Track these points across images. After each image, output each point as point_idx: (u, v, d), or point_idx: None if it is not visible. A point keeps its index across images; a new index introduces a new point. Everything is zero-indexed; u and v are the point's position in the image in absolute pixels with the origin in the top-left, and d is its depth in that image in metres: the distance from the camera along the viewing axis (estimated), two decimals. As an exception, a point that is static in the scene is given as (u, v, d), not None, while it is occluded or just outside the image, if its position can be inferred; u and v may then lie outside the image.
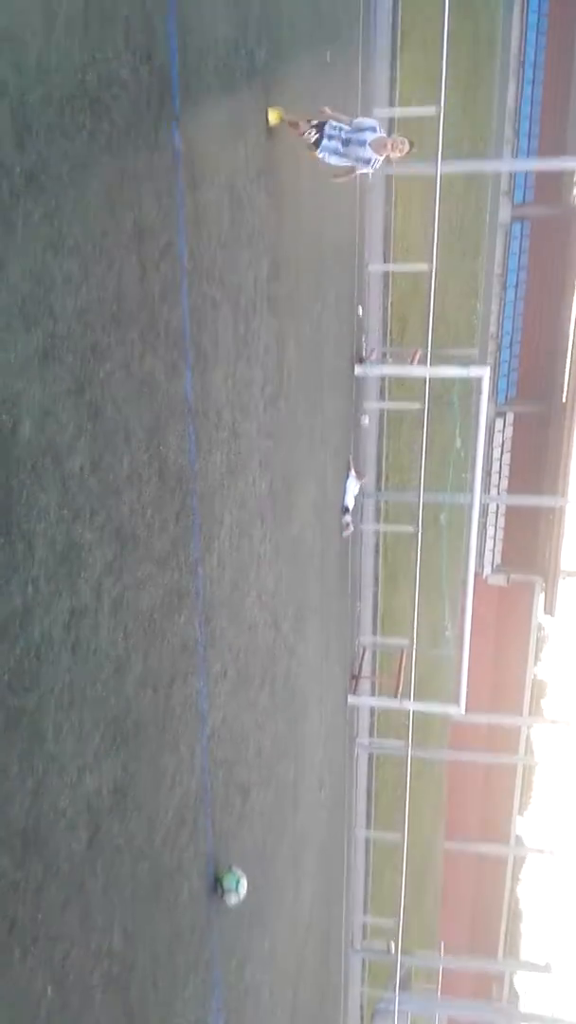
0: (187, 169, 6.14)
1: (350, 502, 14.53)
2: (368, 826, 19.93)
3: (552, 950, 35.66)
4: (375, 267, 16.64)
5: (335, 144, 8.13)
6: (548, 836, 35.06)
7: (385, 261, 17.25)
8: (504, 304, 26.26)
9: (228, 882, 7.77)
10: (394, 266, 17.26)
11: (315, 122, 8.17)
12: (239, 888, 7.82)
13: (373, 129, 8.16)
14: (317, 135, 8.10)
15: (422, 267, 16.32)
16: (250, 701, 8.70)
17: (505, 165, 24.12)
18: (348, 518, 14.46)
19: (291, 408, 9.76)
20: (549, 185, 25.92)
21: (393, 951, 17.79)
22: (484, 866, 30.42)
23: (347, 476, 14.50)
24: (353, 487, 14.61)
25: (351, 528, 14.74)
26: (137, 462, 5.40)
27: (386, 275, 17.46)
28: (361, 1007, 20.59)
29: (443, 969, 21.32)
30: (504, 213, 26.05)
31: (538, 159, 24.90)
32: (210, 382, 6.85)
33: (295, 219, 9.63)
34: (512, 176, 25.44)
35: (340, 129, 8.15)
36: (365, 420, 16.34)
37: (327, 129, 8.10)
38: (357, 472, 14.92)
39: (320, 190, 10.89)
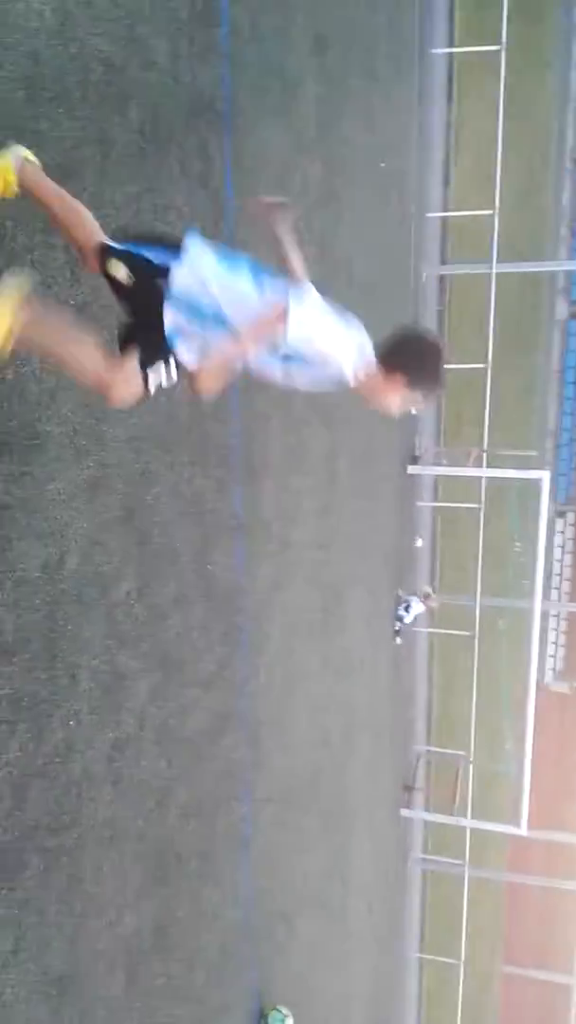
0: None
1: (408, 619, 14.24)
2: (421, 950, 18.68)
3: None
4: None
5: None
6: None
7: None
8: (563, 401, 26.22)
9: (274, 1020, 7.44)
10: (450, 366, 17.46)
11: None
12: None
13: None
14: None
15: (477, 365, 16.47)
16: (296, 824, 8.33)
17: (561, 265, 24.54)
18: (399, 626, 14.13)
19: (342, 516, 9.71)
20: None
21: None
22: (545, 993, 28.05)
23: (409, 599, 14.24)
24: (417, 608, 14.32)
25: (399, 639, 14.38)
26: (184, 584, 5.35)
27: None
28: None
29: None
30: (561, 310, 26.32)
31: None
32: (259, 494, 6.85)
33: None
34: (569, 275, 25.81)
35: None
36: (419, 542, 16.19)
37: None
38: (426, 597, 14.60)
39: (371, 305, 11.13)
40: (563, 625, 25.81)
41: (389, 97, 12.58)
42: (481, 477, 14.38)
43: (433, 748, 17.27)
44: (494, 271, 14.23)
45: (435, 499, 17.55)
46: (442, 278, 17.45)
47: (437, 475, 16.53)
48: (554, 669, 25.70)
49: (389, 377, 3.14)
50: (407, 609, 14.18)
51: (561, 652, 25.71)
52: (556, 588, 25.51)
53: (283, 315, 2.85)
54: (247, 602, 6.56)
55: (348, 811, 10.80)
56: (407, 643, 15.02)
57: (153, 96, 4.94)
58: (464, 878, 14.90)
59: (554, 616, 25.39)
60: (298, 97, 7.88)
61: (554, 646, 25.59)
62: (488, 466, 15.14)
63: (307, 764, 8.61)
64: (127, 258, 2.81)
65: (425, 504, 16.89)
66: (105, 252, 2.83)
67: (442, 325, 17.67)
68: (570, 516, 26.18)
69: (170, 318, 2.80)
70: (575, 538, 25.95)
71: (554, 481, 24.90)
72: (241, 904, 6.72)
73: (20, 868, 3.80)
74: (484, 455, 15.41)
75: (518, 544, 18.43)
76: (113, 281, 2.82)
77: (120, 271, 2.77)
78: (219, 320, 2.84)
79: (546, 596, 21.97)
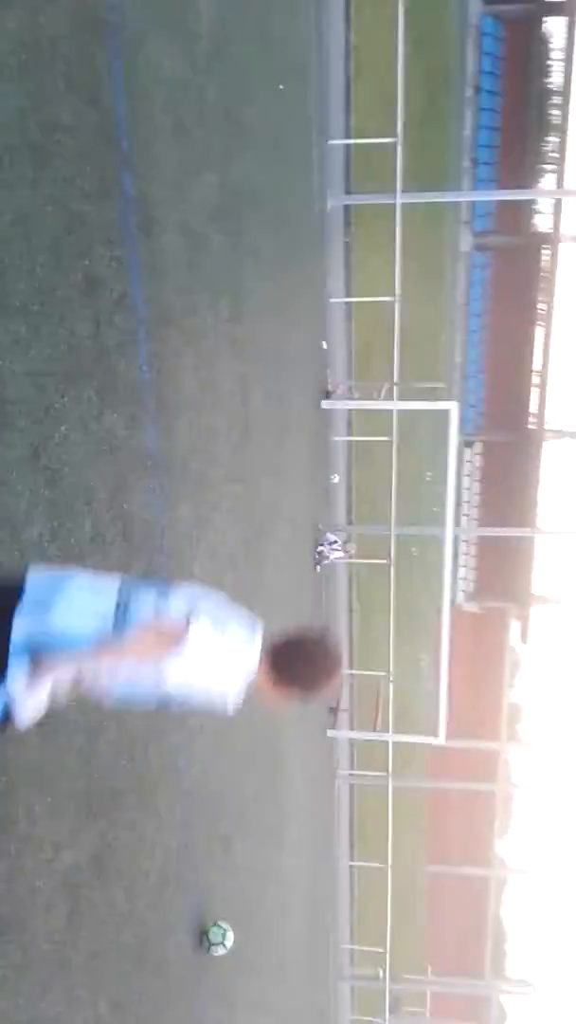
0: (139, 214, 6.11)
1: (328, 557, 14.61)
2: (352, 857, 19.71)
3: (537, 967, 35.51)
4: (337, 300, 16.76)
5: None
6: (529, 857, 35.00)
7: (348, 294, 17.38)
8: (469, 333, 26.58)
9: (214, 935, 7.79)
10: (357, 299, 17.41)
11: None
12: (226, 940, 7.85)
13: None
14: None
15: (386, 298, 16.51)
16: (229, 750, 8.56)
17: (465, 196, 24.56)
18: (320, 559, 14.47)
19: (258, 450, 9.73)
20: (509, 214, 26.41)
21: (381, 977, 17.59)
22: (467, 889, 30.19)
23: (329, 544, 14.55)
24: (336, 554, 14.69)
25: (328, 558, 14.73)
26: (100, 524, 5.30)
27: (349, 306, 17.60)
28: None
29: (431, 992, 21.08)
30: (465, 241, 26.46)
31: (497, 190, 25.39)
32: (173, 432, 6.78)
33: (253, 259, 9.66)
34: (471, 206, 25.88)
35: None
36: (335, 478, 16.37)
37: None
38: (344, 545, 14.96)
39: (276, 233, 10.98)
40: (473, 549, 26.81)
41: (288, 15, 12.15)
42: (392, 410, 14.57)
43: (355, 671, 17.88)
44: (399, 201, 14.15)
45: (349, 433, 17.73)
46: (347, 208, 17.23)
47: (350, 409, 16.65)
48: (465, 591, 26.76)
49: (275, 680, 2.92)
50: (329, 544, 14.50)
51: (472, 575, 26.76)
52: (466, 515, 26.38)
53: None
54: (166, 540, 6.55)
55: (278, 735, 11.15)
56: (326, 573, 15.36)
57: (32, 1, 4.64)
58: (388, 789, 15.68)
59: (464, 541, 26.31)
60: (193, 12, 7.53)
61: (465, 569, 26.58)
62: (399, 399, 15.35)
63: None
64: None
65: (339, 438, 17.05)
66: None
67: (349, 257, 17.54)
68: (477, 446, 26.92)
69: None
70: (483, 467, 26.75)
71: (462, 412, 25.44)
72: (178, 829, 6.92)
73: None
74: (395, 388, 15.60)
75: (429, 474, 18.90)
76: None
77: None
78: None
79: (457, 523, 22.72)
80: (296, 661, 2.89)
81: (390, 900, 16.59)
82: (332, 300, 16.20)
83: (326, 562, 14.75)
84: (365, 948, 19.68)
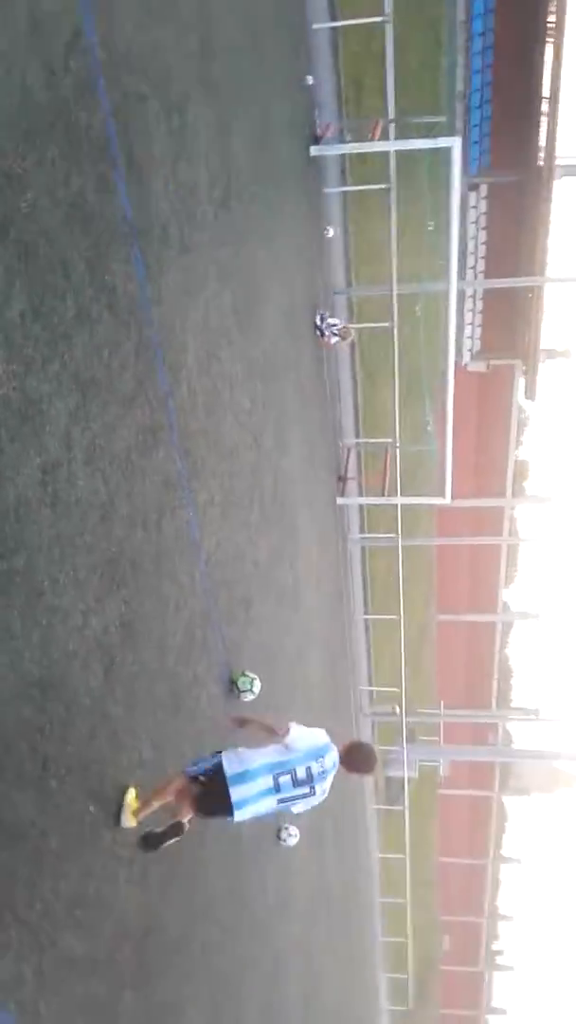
0: None
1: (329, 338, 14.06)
2: (366, 612, 21.16)
3: (540, 698, 39.61)
4: (320, 25, 14.73)
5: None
6: (533, 603, 37.69)
7: (332, 18, 15.24)
8: (471, 57, 23.57)
9: (243, 684, 8.54)
10: (344, 22, 15.29)
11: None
12: (253, 687, 8.60)
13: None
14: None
15: (375, 19, 14.54)
16: (242, 521, 8.83)
17: None
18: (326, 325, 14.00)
19: (245, 208, 9.02)
20: None
21: (398, 712, 19.61)
22: (475, 633, 32.74)
23: (329, 327, 13.89)
24: (334, 339, 14.07)
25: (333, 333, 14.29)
26: (83, 299, 5.02)
27: (334, 33, 15.51)
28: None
29: (444, 724, 23.58)
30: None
31: None
32: (148, 192, 6.23)
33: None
34: None
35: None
36: (329, 231, 15.23)
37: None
38: (344, 331, 14.23)
39: None
40: (479, 305, 25.80)
41: None
42: (389, 151, 13.34)
43: (361, 440, 18.04)
44: None
45: (343, 183, 16.37)
46: None
47: (342, 154, 15.23)
48: (471, 350, 26.15)
49: (346, 768, 5.75)
50: (329, 328, 13.96)
51: (478, 332, 26.01)
52: (471, 268, 25.05)
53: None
54: (155, 313, 6.27)
55: (288, 504, 11.47)
56: (328, 343, 14.92)
57: None
58: (398, 549, 16.45)
59: (470, 297, 25.24)
60: None
61: (471, 327, 25.76)
62: (396, 138, 13.99)
63: (243, 466, 8.92)
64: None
65: (333, 190, 15.76)
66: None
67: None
68: (483, 189, 24.88)
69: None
70: (488, 212, 24.91)
71: (466, 150, 23.27)
72: (200, 595, 7.32)
73: (-24, 592, 3.97)
74: (392, 126, 14.17)
75: (431, 223, 17.68)
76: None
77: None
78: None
79: (462, 276, 21.68)
80: (355, 761, 5.78)
81: (404, 645, 18.03)
82: (315, 26, 14.24)
83: (327, 346, 14.31)
84: (383, 688, 21.76)
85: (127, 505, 5.69)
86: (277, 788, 5.38)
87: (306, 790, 5.47)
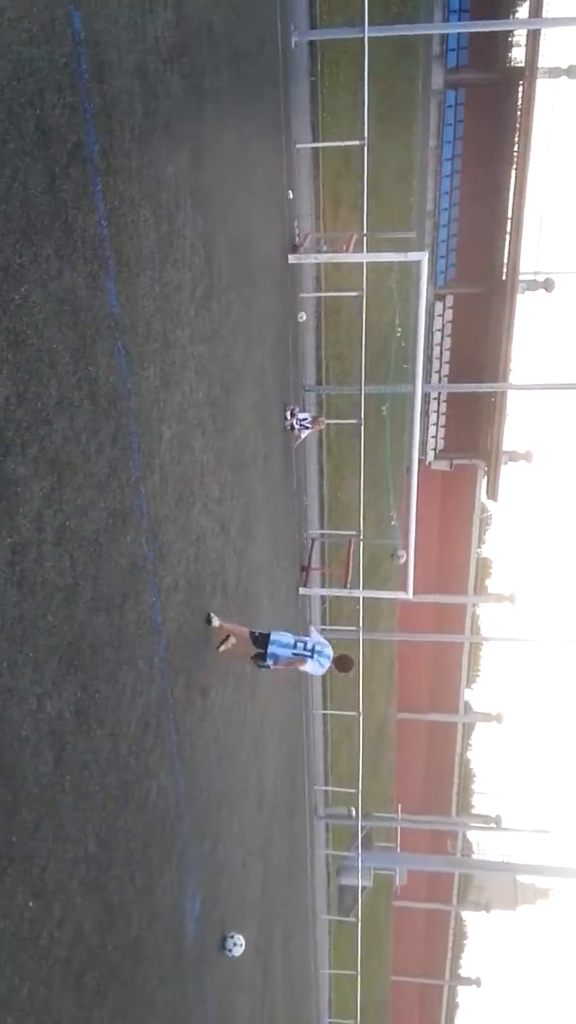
0: (90, 57, 5.62)
1: (300, 434, 14.60)
2: (325, 706, 20.89)
3: (501, 805, 38.79)
4: (303, 145, 15.81)
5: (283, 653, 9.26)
6: (495, 704, 37.47)
7: (314, 139, 16.37)
8: (440, 179, 25.33)
9: (228, 945, 10.04)
10: (324, 144, 16.42)
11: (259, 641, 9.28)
12: (238, 944, 10.15)
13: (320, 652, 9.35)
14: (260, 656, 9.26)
15: (354, 142, 15.60)
16: (203, 607, 8.83)
17: (436, 28, 22.73)
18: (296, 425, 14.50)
19: (224, 308, 9.44)
20: (484, 47, 24.59)
21: (354, 815, 19.09)
22: (435, 734, 32.34)
23: (299, 421, 14.48)
24: (304, 430, 14.65)
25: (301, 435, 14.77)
26: (66, 387, 5.20)
27: (315, 153, 16.63)
28: (327, 867, 22.24)
29: (401, 830, 23.00)
30: (437, 79, 24.74)
31: (470, 21, 23.49)
32: (135, 290, 6.54)
33: (214, 103, 9.00)
34: (444, 39, 24.03)
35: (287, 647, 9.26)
36: (302, 316, 15.91)
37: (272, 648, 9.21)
38: (314, 420, 14.87)
39: (237, 75, 10.15)
40: (443, 407, 26.80)
41: None
42: (362, 262, 14.10)
43: (325, 531, 18.28)
44: (366, 35, 13.10)
45: (317, 289, 17.20)
46: (312, 45, 15.89)
47: (318, 263, 16.07)
48: (435, 449, 26.99)
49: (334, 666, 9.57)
50: (299, 421, 14.46)
51: (442, 432, 26.92)
52: (436, 372, 26.15)
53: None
54: (134, 403, 6.47)
55: (252, 593, 11.50)
56: (298, 436, 15.32)
57: None
58: (359, 642, 16.45)
59: (435, 399, 26.25)
60: None
61: (435, 427, 26.69)
62: (368, 251, 14.81)
63: (208, 553, 9.00)
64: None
65: (308, 295, 16.55)
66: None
67: (315, 98, 16.37)
68: (449, 299, 26.29)
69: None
70: (453, 321, 26.24)
71: (433, 264, 24.71)
72: (157, 682, 7.25)
73: None
74: (364, 239, 15.02)
75: (399, 329, 18.55)
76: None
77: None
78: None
79: (426, 380, 22.60)
80: (339, 662, 9.46)
81: (361, 744, 17.78)
82: (298, 146, 15.27)
83: (297, 439, 14.78)
84: (339, 789, 21.25)
85: (92, 588, 5.72)
86: (294, 645, 9.25)
87: (308, 653, 9.22)
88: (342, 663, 9.40)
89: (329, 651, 9.30)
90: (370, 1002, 24.32)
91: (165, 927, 7.76)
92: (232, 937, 10.33)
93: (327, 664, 9.32)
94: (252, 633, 9.26)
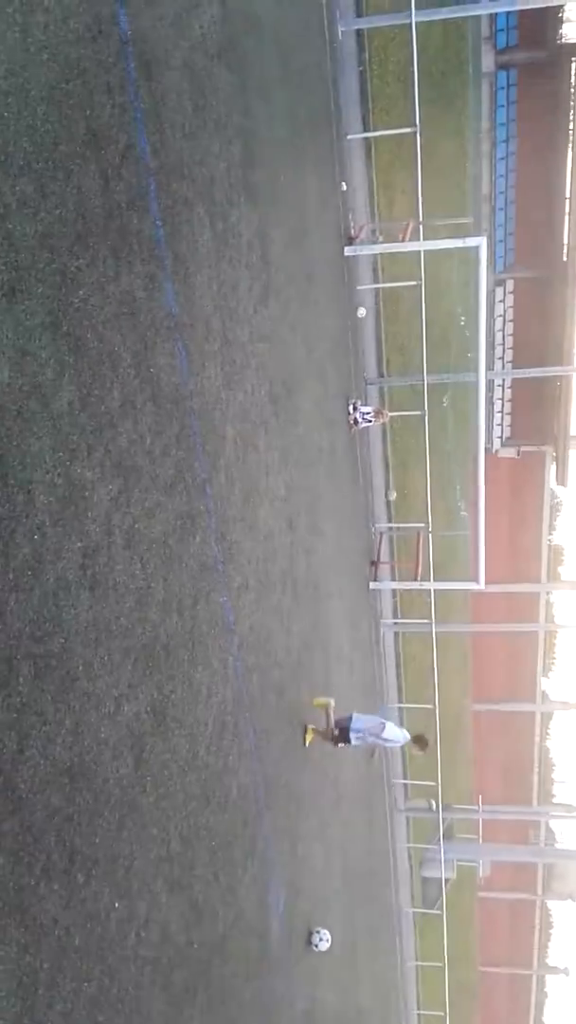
0: (138, 55, 5.62)
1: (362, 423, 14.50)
2: (400, 700, 20.66)
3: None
4: (354, 136, 15.62)
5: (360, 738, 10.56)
6: (573, 692, 36.34)
7: (365, 129, 16.16)
8: (495, 163, 24.73)
9: (314, 940, 10.25)
10: (376, 133, 16.19)
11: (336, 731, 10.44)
12: (324, 939, 10.37)
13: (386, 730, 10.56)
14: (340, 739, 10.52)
15: (405, 130, 15.34)
16: (275, 606, 8.81)
17: (485, 8, 22.17)
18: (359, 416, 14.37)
19: (282, 305, 9.38)
20: (533, 25, 23.89)
21: (434, 807, 18.84)
22: (513, 724, 31.69)
23: (363, 415, 14.40)
24: (368, 421, 14.55)
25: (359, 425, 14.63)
26: (128, 390, 5.22)
27: (367, 143, 16.41)
28: (410, 861, 22.02)
29: (482, 821, 22.57)
30: (487, 61, 24.15)
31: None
32: (193, 290, 6.53)
33: (263, 97, 8.94)
34: (492, 20, 23.43)
35: (363, 733, 10.50)
36: (361, 312, 15.72)
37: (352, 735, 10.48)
38: (377, 413, 14.77)
39: (285, 67, 10.08)
40: (508, 394, 26.19)
41: None
42: (419, 251, 13.83)
43: (394, 524, 18.06)
44: (414, 20, 12.83)
45: (375, 280, 16.99)
46: (359, 34, 15.67)
47: (375, 254, 15.86)
48: (501, 437, 26.41)
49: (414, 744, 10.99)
50: (363, 415, 14.33)
51: (507, 420, 26.30)
52: (500, 358, 25.57)
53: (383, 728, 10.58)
54: (196, 403, 6.46)
55: (321, 589, 11.43)
56: (362, 430, 15.19)
57: None
58: (433, 634, 16.19)
59: (499, 386, 25.67)
60: None
61: (500, 415, 26.10)
62: (425, 239, 14.52)
63: (277, 551, 8.96)
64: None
65: (365, 287, 16.34)
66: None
67: (364, 87, 16.17)
68: (509, 284, 25.66)
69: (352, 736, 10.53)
70: (515, 306, 25.59)
71: (492, 249, 24.13)
72: (232, 681, 7.25)
73: (12, 676, 3.99)
74: (421, 227, 14.73)
75: (463, 318, 18.17)
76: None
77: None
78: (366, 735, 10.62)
79: (490, 366, 22.10)
80: (416, 740, 10.82)
81: (439, 736, 17.50)
82: (349, 137, 15.09)
83: (360, 427, 14.62)
84: (417, 782, 21.01)
85: (163, 590, 5.73)
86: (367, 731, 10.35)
87: (383, 740, 10.53)
88: (419, 742, 10.67)
89: (399, 733, 10.65)
90: (458, 993, 23.96)
91: (250, 924, 7.76)
92: (318, 932, 10.30)
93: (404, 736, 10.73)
94: (334, 731, 10.42)
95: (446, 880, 19.39)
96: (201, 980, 6.32)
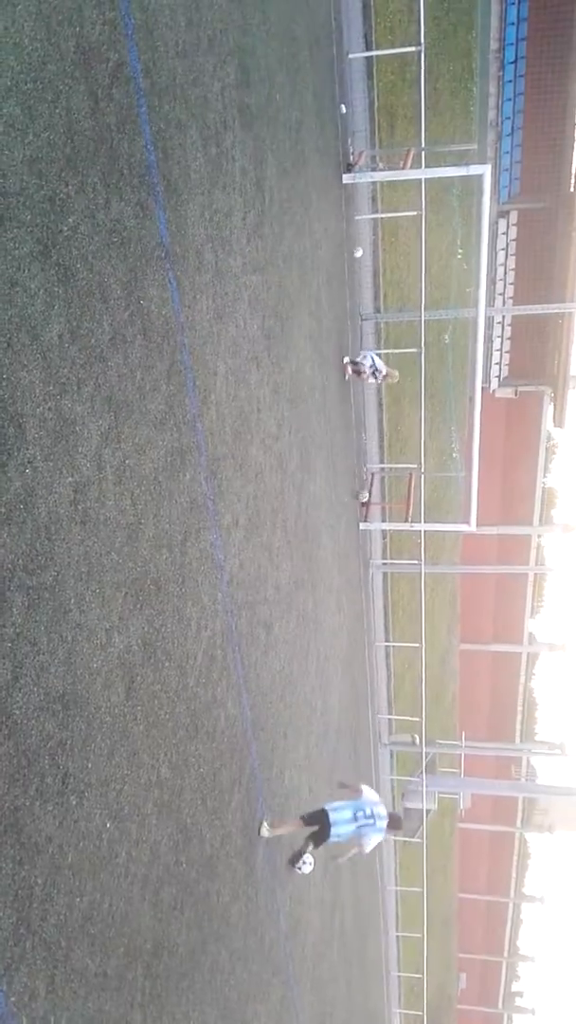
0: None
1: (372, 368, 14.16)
2: (387, 638, 21.01)
3: (566, 733, 38.73)
4: (356, 55, 14.99)
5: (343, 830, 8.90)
6: (559, 634, 36.93)
7: (367, 48, 15.50)
8: (503, 85, 23.78)
9: (298, 863, 9.80)
10: (378, 52, 15.53)
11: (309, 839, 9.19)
12: (307, 862, 9.83)
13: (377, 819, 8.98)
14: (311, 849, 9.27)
15: (409, 49, 14.75)
16: (264, 544, 8.86)
17: None
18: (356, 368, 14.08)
19: (277, 235, 9.15)
20: None
21: (417, 742, 19.37)
22: (499, 664, 32.30)
23: (369, 368, 14.02)
24: (374, 378, 14.16)
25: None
26: (118, 322, 5.12)
27: (369, 62, 15.76)
28: (392, 792, 22.76)
29: (465, 757, 23.21)
30: (498, -27, 22.97)
31: None
32: (185, 218, 6.36)
33: (260, 13, 8.54)
34: None
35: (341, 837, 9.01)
36: (359, 251, 15.35)
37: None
38: (388, 375, 14.28)
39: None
40: (507, 331, 25.76)
41: None
42: (420, 179, 13.46)
43: (386, 465, 18.04)
44: None
45: (374, 210, 16.55)
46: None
47: (374, 182, 15.41)
48: (499, 376, 26.09)
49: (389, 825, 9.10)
50: (369, 368, 14.02)
51: (506, 358, 25.95)
52: (500, 294, 25.07)
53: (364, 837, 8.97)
54: (187, 337, 6.37)
55: (311, 528, 11.49)
56: (365, 379, 14.99)
57: None
58: (421, 575, 16.37)
59: (498, 323, 25.24)
60: None
61: (499, 353, 25.72)
62: (426, 166, 14.11)
63: (268, 489, 8.97)
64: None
65: (364, 217, 15.94)
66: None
67: (367, 3, 15.43)
68: (512, 216, 24.99)
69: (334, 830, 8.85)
70: (518, 239, 24.99)
71: (496, 178, 23.44)
72: (221, 617, 7.35)
73: (6, 607, 4.03)
74: (423, 154, 14.30)
75: (460, 250, 17.78)
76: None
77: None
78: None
79: (490, 302, 21.72)
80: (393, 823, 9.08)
81: (424, 673, 17.88)
82: (351, 56, 14.50)
83: (363, 378, 14.34)
84: (402, 717, 21.55)
85: (153, 526, 5.75)
86: (355, 818, 8.85)
87: (371, 821, 8.85)
88: (393, 822, 9.05)
89: (382, 810, 8.98)
90: (436, 917, 25.12)
91: (236, 847, 8.05)
92: (302, 856, 10.69)
93: (384, 826, 9.00)
94: (303, 817, 9.04)
95: (427, 811, 20.06)
96: (188, 897, 6.58)
